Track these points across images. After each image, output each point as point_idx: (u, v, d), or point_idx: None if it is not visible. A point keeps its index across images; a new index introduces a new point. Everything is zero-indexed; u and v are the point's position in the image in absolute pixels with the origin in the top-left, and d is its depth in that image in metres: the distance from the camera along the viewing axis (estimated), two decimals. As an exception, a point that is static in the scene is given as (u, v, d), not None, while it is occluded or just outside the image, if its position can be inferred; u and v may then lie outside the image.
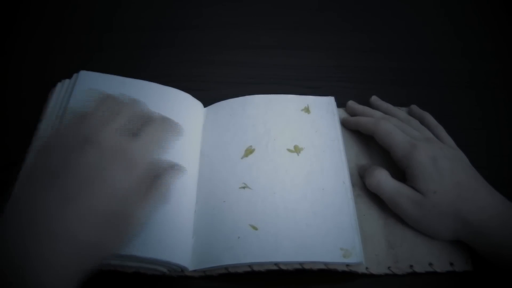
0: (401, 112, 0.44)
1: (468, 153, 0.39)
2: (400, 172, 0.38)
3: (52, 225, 0.23)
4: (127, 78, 0.42)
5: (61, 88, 0.41)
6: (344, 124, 0.44)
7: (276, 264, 0.33)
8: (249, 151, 0.40)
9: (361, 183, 0.39)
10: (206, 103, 0.44)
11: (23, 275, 0.22)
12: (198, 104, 0.44)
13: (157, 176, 0.28)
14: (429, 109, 0.44)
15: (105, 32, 0.52)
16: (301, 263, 0.34)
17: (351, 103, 0.45)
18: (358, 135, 0.43)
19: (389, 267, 0.35)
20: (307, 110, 0.43)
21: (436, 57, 0.53)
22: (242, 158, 0.39)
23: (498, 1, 0.60)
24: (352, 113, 0.45)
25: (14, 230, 0.23)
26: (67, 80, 0.42)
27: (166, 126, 0.30)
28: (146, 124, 0.29)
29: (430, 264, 0.35)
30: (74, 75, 0.41)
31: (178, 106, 0.42)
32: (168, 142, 0.29)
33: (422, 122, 0.42)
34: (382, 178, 0.37)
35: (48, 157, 0.26)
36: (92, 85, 0.41)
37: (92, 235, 0.24)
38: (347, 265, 0.34)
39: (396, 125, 0.40)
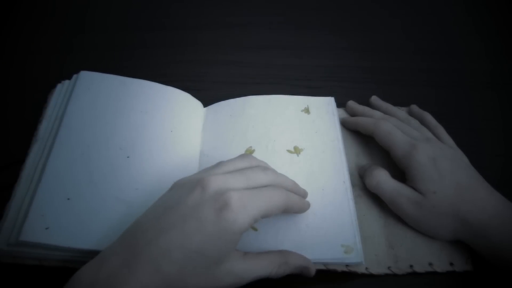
0: (401, 112, 0.44)
1: (468, 153, 0.39)
2: (400, 172, 0.38)
3: (144, 250, 0.26)
4: (127, 77, 0.42)
5: (61, 89, 0.41)
6: (344, 124, 0.44)
7: (276, 264, 0.33)
8: (249, 152, 0.40)
9: (361, 183, 0.39)
10: (206, 103, 0.44)
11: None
12: (198, 104, 0.44)
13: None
14: (429, 109, 0.44)
15: (104, 32, 0.52)
16: (300, 264, 0.34)
17: (351, 103, 0.45)
18: (358, 135, 0.43)
19: (389, 267, 0.35)
20: (307, 110, 0.43)
21: (435, 57, 0.53)
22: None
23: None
24: (352, 113, 0.45)
25: (120, 245, 0.27)
26: (66, 81, 0.42)
27: (282, 192, 0.31)
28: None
29: (430, 264, 0.35)
30: (74, 76, 0.42)
31: (178, 105, 0.42)
32: (277, 205, 0.29)
33: (422, 122, 0.42)
34: (382, 178, 0.37)
35: (174, 192, 0.29)
36: (92, 85, 0.41)
37: (174, 269, 0.25)
38: (347, 265, 0.34)
39: (396, 125, 0.40)
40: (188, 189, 0.28)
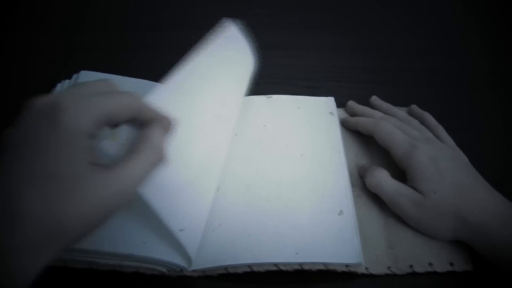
0: (401, 112, 0.44)
1: (468, 153, 0.39)
2: (400, 172, 0.38)
3: None
4: (127, 77, 0.42)
5: (61, 89, 0.41)
6: (344, 124, 0.44)
7: (275, 264, 0.33)
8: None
9: (361, 183, 0.39)
10: (206, 103, 0.44)
11: None
12: (198, 104, 0.44)
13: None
14: (429, 109, 0.43)
15: (105, 32, 0.52)
16: (300, 264, 0.33)
17: (351, 103, 0.45)
18: (358, 135, 0.43)
19: (389, 267, 0.35)
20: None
21: (436, 57, 0.53)
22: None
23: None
24: (352, 113, 0.45)
25: None
26: (67, 81, 0.42)
27: (133, 95, 0.26)
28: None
29: (430, 264, 0.35)
30: (74, 75, 0.42)
31: (178, 106, 0.42)
32: (126, 106, 0.25)
33: (422, 122, 0.42)
34: (382, 178, 0.37)
35: (14, 129, 0.24)
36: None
37: (30, 207, 0.21)
38: (347, 265, 0.34)
39: (396, 125, 0.40)
40: (15, 123, 0.24)
